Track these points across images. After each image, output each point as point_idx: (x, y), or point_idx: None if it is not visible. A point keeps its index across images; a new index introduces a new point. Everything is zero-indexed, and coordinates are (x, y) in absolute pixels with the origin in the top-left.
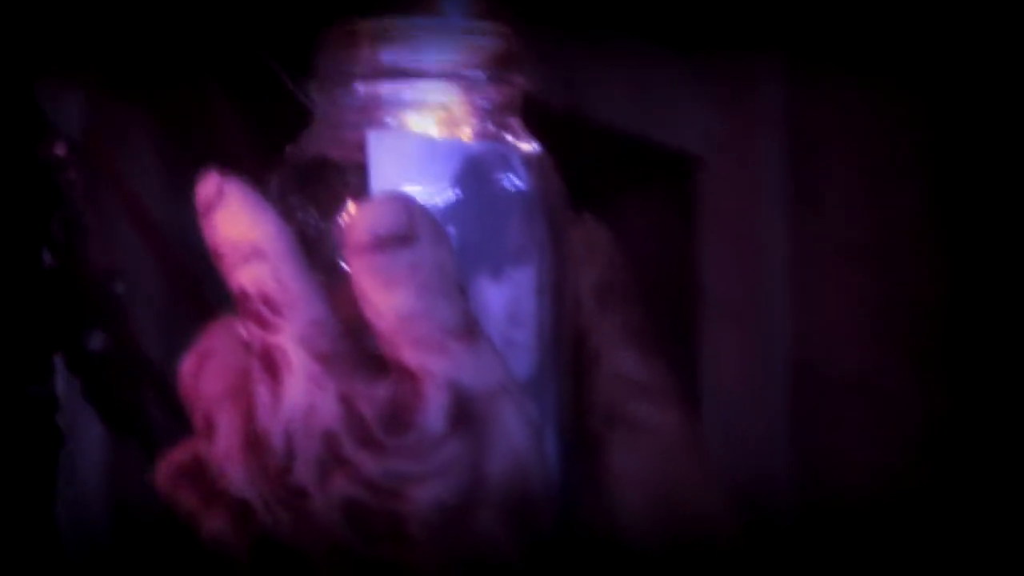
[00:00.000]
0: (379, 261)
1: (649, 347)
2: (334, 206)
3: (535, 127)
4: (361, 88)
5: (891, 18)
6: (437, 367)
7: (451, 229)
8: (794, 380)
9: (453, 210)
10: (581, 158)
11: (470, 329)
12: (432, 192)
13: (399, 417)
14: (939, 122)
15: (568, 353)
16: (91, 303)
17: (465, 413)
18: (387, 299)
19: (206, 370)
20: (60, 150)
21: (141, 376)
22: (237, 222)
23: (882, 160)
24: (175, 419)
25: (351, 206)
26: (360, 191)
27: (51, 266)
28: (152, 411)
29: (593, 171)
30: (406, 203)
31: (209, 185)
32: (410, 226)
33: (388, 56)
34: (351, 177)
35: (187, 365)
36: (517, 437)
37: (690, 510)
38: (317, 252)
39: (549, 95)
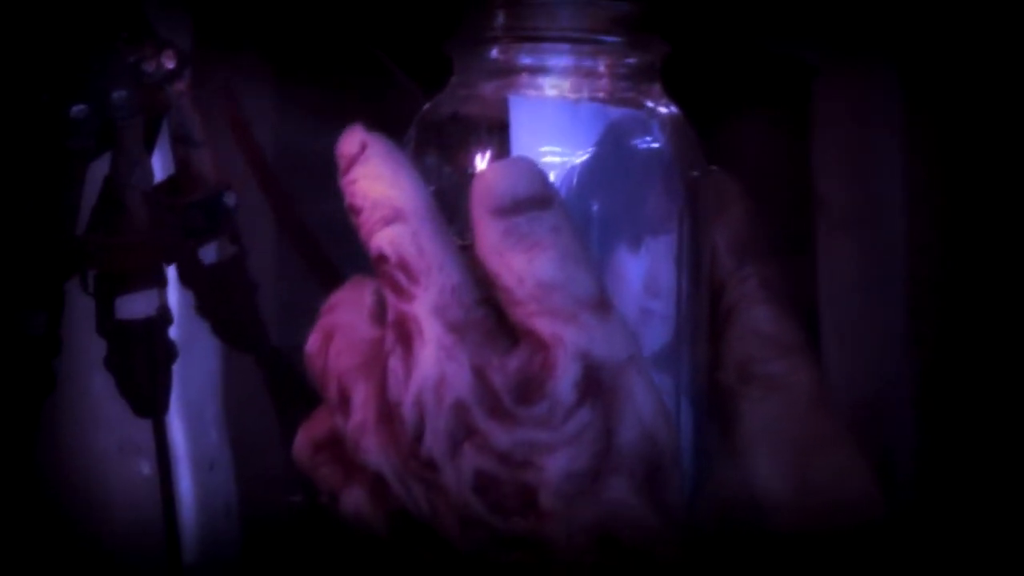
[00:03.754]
0: (521, 224)
1: (784, 302)
2: (471, 165)
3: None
4: (499, 50)
5: None
6: (569, 337)
7: (591, 196)
8: (912, 289)
9: (593, 176)
10: (697, 68)
11: (603, 300)
12: (572, 157)
13: (530, 387)
14: None
15: (705, 317)
16: (204, 215)
17: (595, 383)
18: (528, 264)
19: (334, 345)
20: (169, 62)
21: (255, 287)
22: (379, 180)
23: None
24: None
25: (481, 166)
26: (497, 150)
27: (160, 180)
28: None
29: (709, 81)
30: (537, 166)
31: (352, 139)
32: (548, 189)
33: (526, 19)
34: (487, 136)
35: (313, 342)
36: (645, 407)
37: (822, 467)
38: (454, 212)
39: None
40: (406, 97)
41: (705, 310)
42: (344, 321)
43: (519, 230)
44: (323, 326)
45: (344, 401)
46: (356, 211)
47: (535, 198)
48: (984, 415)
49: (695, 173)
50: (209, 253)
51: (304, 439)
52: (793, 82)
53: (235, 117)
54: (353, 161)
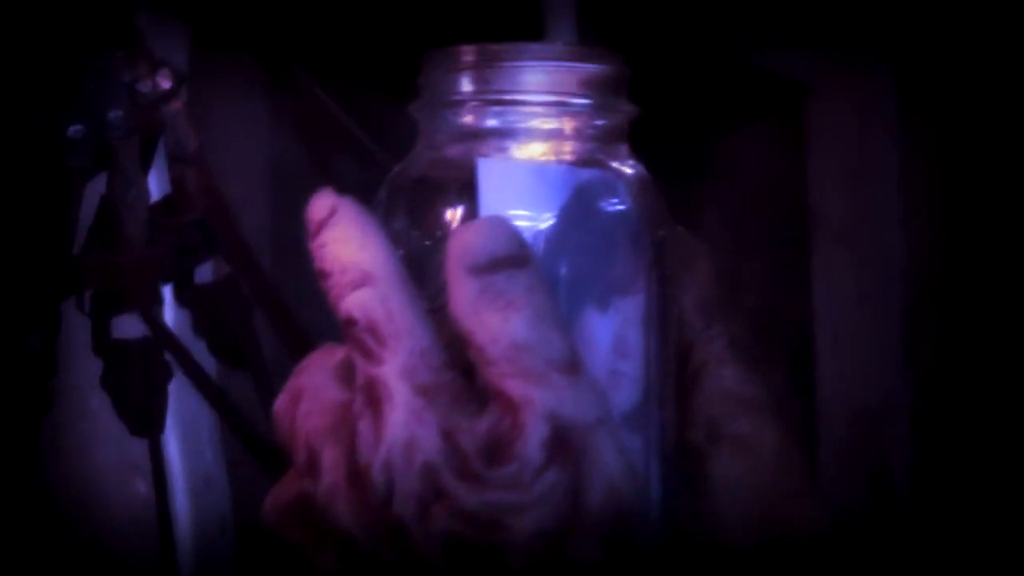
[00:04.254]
0: (497, 282)
1: (751, 361)
2: (438, 229)
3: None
4: (465, 113)
5: None
6: (539, 398)
7: (560, 258)
8: (908, 299)
9: (561, 238)
10: (695, 84)
11: (573, 361)
12: (540, 219)
13: (499, 448)
14: None
15: (672, 376)
16: (200, 234)
17: (563, 444)
18: (503, 324)
19: (303, 407)
20: (165, 81)
21: (251, 306)
22: (348, 244)
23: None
24: (287, 348)
25: (455, 225)
26: (465, 213)
27: (158, 200)
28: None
29: (706, 97)
30: (514, 226)
31: (322, 204)
32: (524, 249)
33: (492, 83)
34: (456, 198)
35: (282, 403)
36: (613, 468)
37: (788, 519)
38: (421, 276)
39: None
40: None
41: (673, 369)
42: (312, 383)
43: (495, 288)
44: (291, 388)
45: (313, 464)
46: (325, 275)
47: (512, 257)
48: (980, 424)
49: (662, 233)
50: (205, 272)
51: (273, 502)
52: (787, 96)
53: (211, 190)
54: (322, 225)
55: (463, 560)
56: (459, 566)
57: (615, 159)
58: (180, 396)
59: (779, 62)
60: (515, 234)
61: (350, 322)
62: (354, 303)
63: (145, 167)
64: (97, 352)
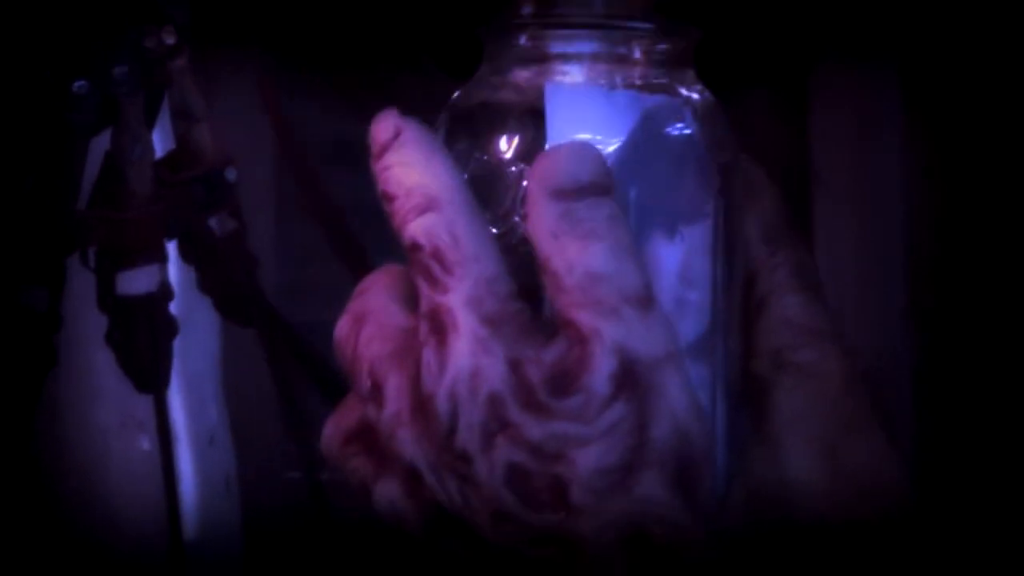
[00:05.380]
0: (580, 209)
1: (817, 290)
2: (503, 152)
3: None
4: (530, 38)
5: None
6: (608, 331)
7: (628, 184)
8: (910, 262)
9: (629, 164)
10: (699, 47)
11: (647, 295)
12: (608, 145)
13: (565, 380)
14: None
15: (738, 305)
16: (205, 190)
17: (630, 379)
18: (582, 252)
19: (365, 331)
20: (170, 37)
21: (255, 263)
22: (413, 168)
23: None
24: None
25: (513, 150)
26: (529, 136)
27: (160, 156)
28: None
29: (710, 61)
30: (601, 154)
31: (386, 125)
32: (609, 178)
33: (558, 6)
34: (520, 123)
35: (343, 326)
36: (679, 404)
37: (854, 453)
38: (486, 201)
39: None
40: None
41: (738, 299)
42: (375, 306)
43: (577, 215)
44: (353, 310)
45: (377, 390)
46: (389, 199)
47: (597, 185)
48: (985, 387)
49: (729, 160)
50: (210, 228)
51: (334, 430)
52: (793, 61)
53: (270, 99)
54: (386, 147)
55: (526, 491)
56: (523, 497)
57: (681, 84)
58: (184, 353)
59: (787, 26)
60: (602, 161)
61: (415, 247)
62: (419, 228)
63: (150, 124)
64: (102, 308)
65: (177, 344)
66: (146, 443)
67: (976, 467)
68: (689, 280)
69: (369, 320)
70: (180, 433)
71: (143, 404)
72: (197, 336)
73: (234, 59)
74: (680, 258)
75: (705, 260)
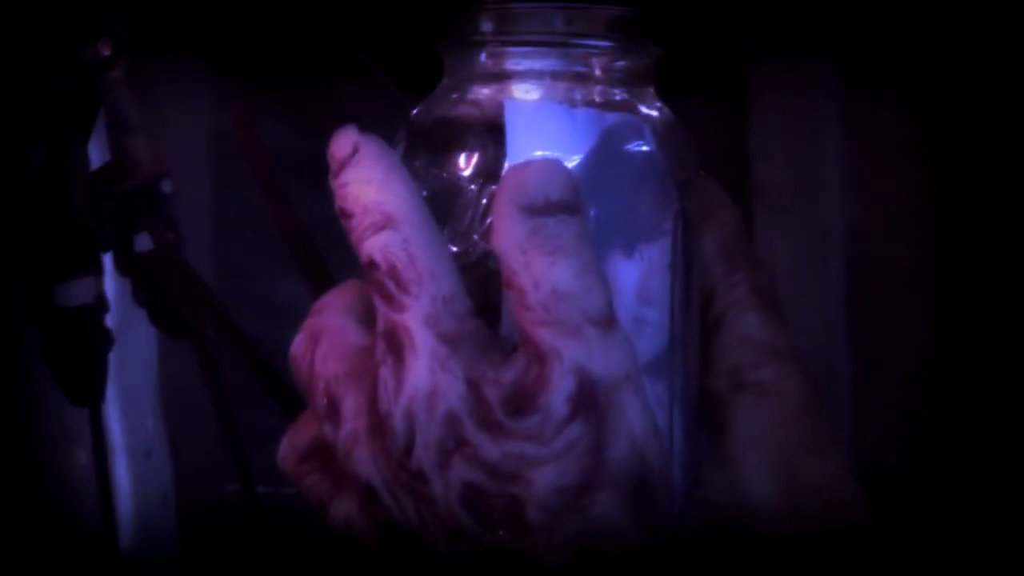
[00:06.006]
0: (549, 225)
1: (775, 307)
2: (461, 170)
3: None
4: (491, 55)
5: None
6: (569, 352)
7: (587, 202)
8: (849, 272)
9: (589, 182)
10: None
11: (608, 316)
12: (567, 163)
13: (523, 400)
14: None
15: (696, 323)
16: (139, 203)
17: (588, 399)
18: (549, 268)
19: (321, 349)
20: (105, 48)
21: (191, 277)
22: (371, 185)
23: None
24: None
25: (472, 168)
26: (488, 154)
27: (96, 167)
28: (203, 313)
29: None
30: (569, 171)
31: (344, 141)
32: (577, 196)
33: (519, 24)
34: (479, 139)
35: (299, 344)
36: (637, 425)
37: (811, 472)
38: (444, 218)
39: None
40: (393, 103)
41: (695, 316)
42: (332, 325)
43: (546, 231)
44: (310, 328)
45: (333, 409)
46: (347, 216)
47: (566, 202)
48: (921, 394)
49: (688, 178)
50: (145, 241)
51: (290, 448)
52: (730, 68)
53: (242, 116)
54: (344, 164)
55: (482, 511)
56: (478, 516)
57: (642, 102)
58: (121, 366)
59: (723, 35)
60: (571, 179)
61: (371, 265)
62: (375, 246)
63: (85, 135)
64: (36, 320)
65: (113, 357)
66: (83, 456)
67: (914, 484)
68: (648, 298)
69: (325, 338)
70: (117, 445)
71: (79, 417)
72: (134, 349)
73: (173, 69)
74: (639, 276)
75: (664, 278)
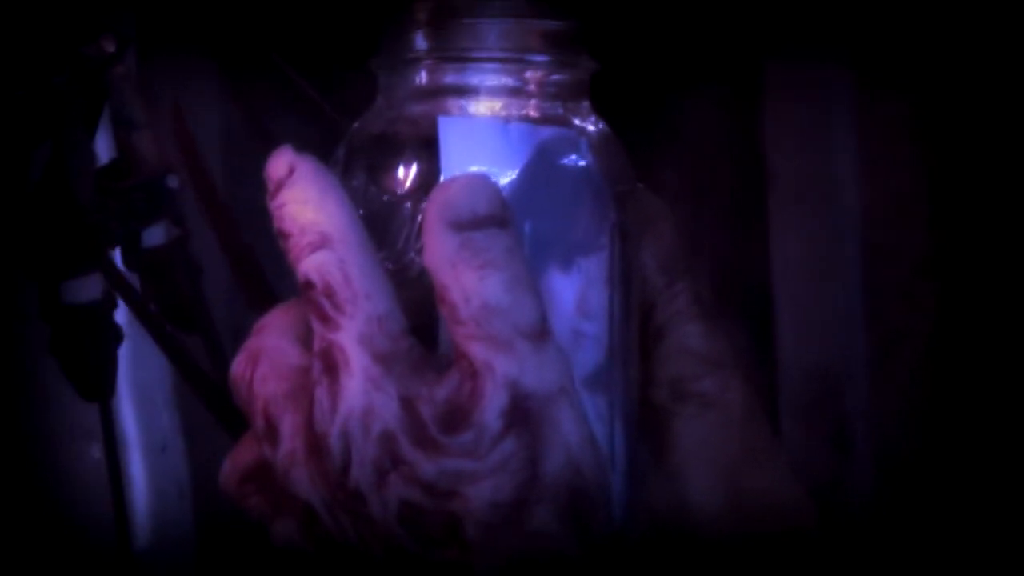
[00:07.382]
0: (478, 239)
1: (714, 319)
2: (398, 186)
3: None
4: (425, 71)
5: None
6: (501, 366)
7: (522, 217)
8: (866, 260)
9: (524, 197)
10: (654, 45)
11: (542, 329)
12: (502, 177)
13: (457, 416)
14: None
15: (635, 335)
16: (147, 198)
17: (522, 414)
18: (479, 283)
19: (260, 370)
20: (109, 45)
21: (199, 269)
22: (307, 205)
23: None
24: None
25: (410, 182)
26: (424, 170)
27: (102, 162)
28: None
29: (664, 58)
30: (497, 185)
31: (280, 162)
32: (506, 209)
33: (452, 40)
34: (416, 156)
35: (238, 364)
36: (572, 438)
37: (755, 480)
38: (382, 236)
39: None
40: (325, 122)
41: (635, 328)
42: (271, 345)
43: (474, 245)
44: (249, 348)
45: (271, 430)
46: (284, 236)
47: (494, 216)
48: (939, 383)
49: (625, 190)
50: (153, 236)
51: (231, 468)
52: (744, 58)
53: (184, 136)
54: (281, 184)
55: (420, 528)
56: (416, 534)
57: (576, 116)
58: (135, 360)
59: (739, 23)
60: (498, 193)
61: (308, 285)
62: (311, 266)
63: (91, 132)
64: (45, 318)
65: (128, 351)
66: (96, 451)
67: (931, 468)
68: (586, 311)
69: (264, 358)
70: (132, 440)
71: (93, 412)
72: (148, 343)
73: (181, 66)
74: (577, 290)
75: (602, 291)
